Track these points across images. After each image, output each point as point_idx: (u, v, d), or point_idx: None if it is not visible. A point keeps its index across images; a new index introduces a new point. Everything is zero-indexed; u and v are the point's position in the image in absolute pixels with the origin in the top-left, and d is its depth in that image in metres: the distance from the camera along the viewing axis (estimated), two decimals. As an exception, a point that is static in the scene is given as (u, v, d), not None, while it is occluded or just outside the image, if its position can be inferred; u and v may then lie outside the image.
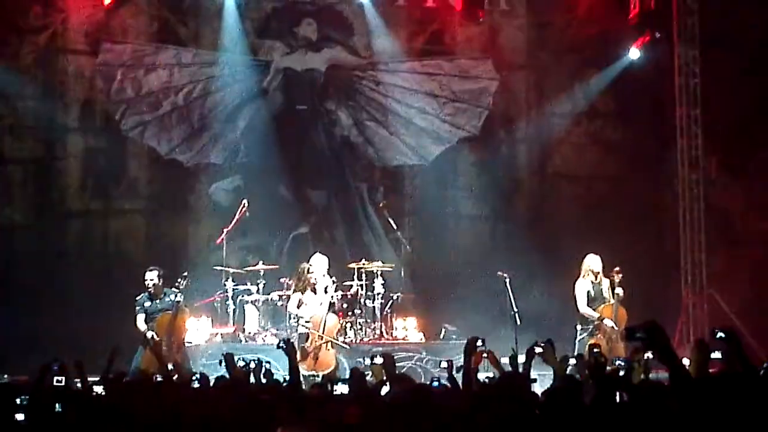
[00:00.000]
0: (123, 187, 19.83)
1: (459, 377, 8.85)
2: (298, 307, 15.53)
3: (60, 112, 19.33)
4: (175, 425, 6.98)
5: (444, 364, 10.11)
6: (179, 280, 15.07)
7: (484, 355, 9.40)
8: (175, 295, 14.98)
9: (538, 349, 9.35)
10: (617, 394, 7.41)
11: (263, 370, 10.63)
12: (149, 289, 15.16)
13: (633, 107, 20.37)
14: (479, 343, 8.88)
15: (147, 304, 15.12)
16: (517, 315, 16.43)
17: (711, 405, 5.46)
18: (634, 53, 20.25)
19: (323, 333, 15.22)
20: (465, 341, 8.99)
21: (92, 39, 19.43)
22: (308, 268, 15.68)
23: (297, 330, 15.68)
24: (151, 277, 15.19)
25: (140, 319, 15.10)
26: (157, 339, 14.72)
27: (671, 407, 6.65)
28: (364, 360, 10.29)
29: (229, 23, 19.77)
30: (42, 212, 19.22)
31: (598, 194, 20.28)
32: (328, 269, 16.08)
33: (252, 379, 10.19)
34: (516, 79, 20.81)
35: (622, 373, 9.36)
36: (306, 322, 15.36)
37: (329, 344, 15.19)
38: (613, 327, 15.20)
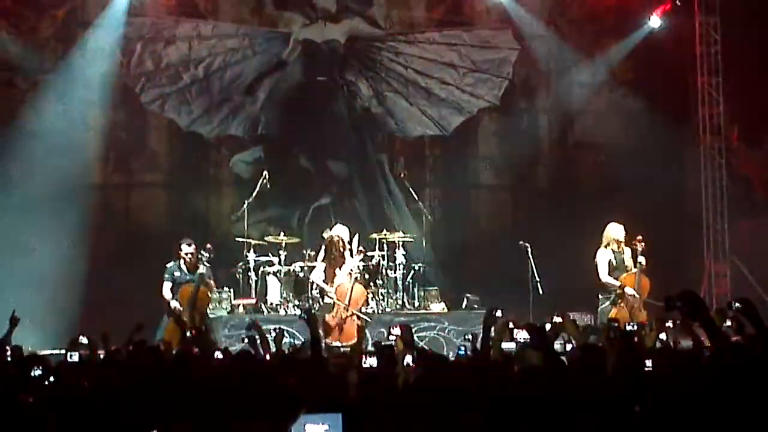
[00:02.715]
0: (144, 160, 19.91)
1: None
2: (324, 281, 15.56)
3: (80, 86, 19.37)
4: (194, 402, 6.98)
5: (469, 336, 10.13)
6: (202, 252, 15.19)
7: (511, 325, 9.40)
8: (201, 267, 15.13)
9: (557, 319, 9.38)
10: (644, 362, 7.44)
11: (286, 343, 10.66)
12: (184, 260, 15.29)
13: (654, 76, 20.28)
14: (498, 313, 8.87)
15: (177, 273, 15.24)
16: (539, 284, 16.47)
17: (749, 372, 5.48)
18: (654, 21, 20.17)
19: (349, 303, 15.23)
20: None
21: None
22: (338, 243, 15.64)
23: (322, 301, 15.74)
24: (190, 250, 15.31)
25: (167, 287, 15.18)
26: (181, 308, 14.87)
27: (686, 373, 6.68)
28: (386, 331, 10.32)
29: (248, -5, 19.78)
30: (64, 186, 19.26)
31: (619, 163, 20.20)
32: (350, 240, 16.14)
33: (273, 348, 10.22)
34: (536, 49, 20.70)
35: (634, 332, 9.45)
36: (330, 293, 15.39)
37: (354, 316, 15.18)
38: (634, 295, 15.18)
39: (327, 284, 15.53)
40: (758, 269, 18.82)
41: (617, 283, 15.31)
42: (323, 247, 16.01)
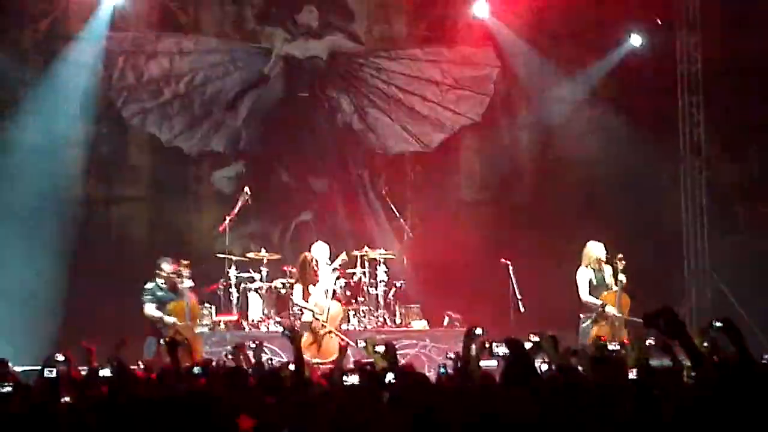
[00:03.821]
0: (125, 175, 19.85)
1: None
2: (305, 299, 15.66)
3: (61, 99, 19.32)
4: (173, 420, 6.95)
5: (451, 355, 10.12)
6: (180, 268, 15.32)
7: (487, 344, 9.38)
8: (186, 281, 15.32)
9: (535, 338, 9.36)
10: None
11: (264, 359, 10.64)
12: (166, 279, 15.39)
13: (634, 93, 20.29)
14: (479, 331, 8.86)
15: (159, 293, 15.36)
16: (519, 302, 16.46)
17: (728, 389, 5.48)
18: (635, 39, 20.20)
19: (327, 321, 15.31)
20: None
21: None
22: (311, 261, 15.74)
23: (301, 318, 15.78)
24: (170, 268, 15.44)
25: (152, 307, 15.27)
26: (179, 323, 15.05)
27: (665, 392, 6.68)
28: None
29: (229, 10, 19.73)
30: (44, 199, 19.19)
31: (599, 180, 20.22)
32: (329, 257, 16.17)
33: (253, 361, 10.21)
34: (517, 66, 20.73)
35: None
36: (312, 311, 15.49)
37: (332, 333, 15.30)
38: (615, 314, 15.18)
39: (309, 305, 15.63)
40: (738, 287, 18.85)
41: (598, 302, 15.30)
42: (298, 267, 16.08)
